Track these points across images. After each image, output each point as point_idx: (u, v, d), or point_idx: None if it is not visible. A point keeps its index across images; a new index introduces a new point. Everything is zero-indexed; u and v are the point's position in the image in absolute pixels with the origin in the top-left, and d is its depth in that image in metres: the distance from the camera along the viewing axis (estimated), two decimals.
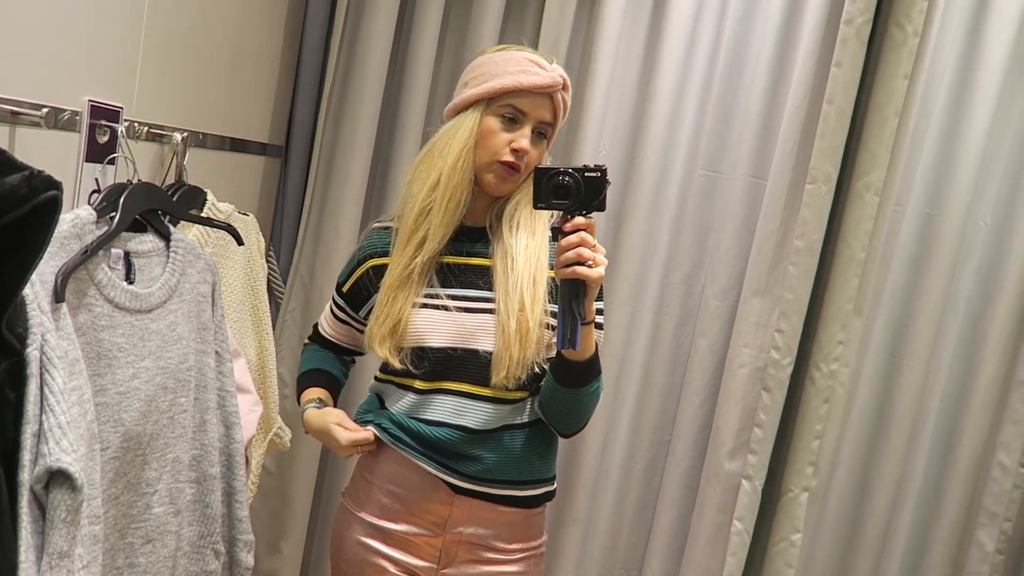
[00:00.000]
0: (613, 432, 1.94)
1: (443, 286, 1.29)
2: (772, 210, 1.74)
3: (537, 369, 1.25)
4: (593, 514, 1.97)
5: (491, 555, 1.32)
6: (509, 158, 1.25)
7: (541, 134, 1.28)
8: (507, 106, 1.25)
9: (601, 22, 1.81)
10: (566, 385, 1.23)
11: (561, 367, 1.22)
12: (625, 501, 1.97)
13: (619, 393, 1.92)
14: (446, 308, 1.28)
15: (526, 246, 1.26)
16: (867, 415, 1.91)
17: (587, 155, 1.85)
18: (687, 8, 1.82)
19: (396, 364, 1.28)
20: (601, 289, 1.30)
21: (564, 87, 1.26)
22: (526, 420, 1.31)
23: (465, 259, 1.31)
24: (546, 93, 1.25)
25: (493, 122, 1.26)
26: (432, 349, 1.27)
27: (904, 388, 1.86)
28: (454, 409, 1.27)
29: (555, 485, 1.38)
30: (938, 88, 1.78)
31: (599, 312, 1.29)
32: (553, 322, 1.25)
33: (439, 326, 1.28)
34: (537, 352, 1.25)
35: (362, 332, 1.37)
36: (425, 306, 1.28)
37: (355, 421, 1.36)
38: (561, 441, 1.36)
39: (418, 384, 1.29)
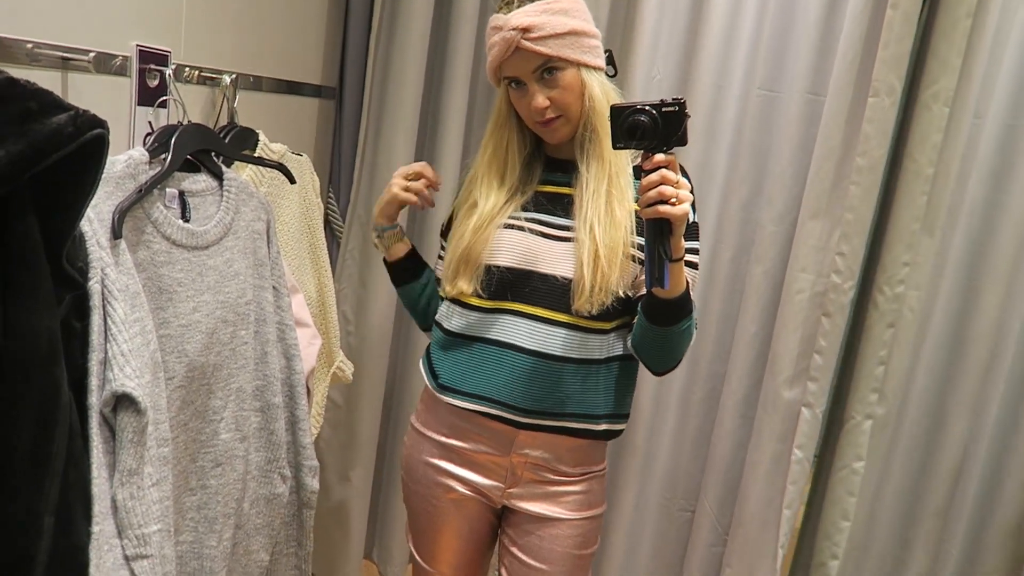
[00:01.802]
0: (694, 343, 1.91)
1: (525, 210, 1.33)
2: (831, 127, 1.66)
3: (623, 296, 1.27)
4: (652, 445, 1.98)
5: (555, 476, 1.36)
6: (538, 118, 1.28)
7: (549, 70, 1.25)
8: (505, 79, 1.29)
9: None
10: (657, 323, 1.22)
11: (651, 305, 1.21)
12: (684, 431, 1.97)
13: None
14: (521, 229, 1.31)
15: (596, 175, 1.28)
16: (943, 340, 1.83)
17: (639, 81, 1.80)
18: None
19: (467, 288, 1.32)
20: (697, 228, 1.32)
21: (525, 31, 1.22)
22: (610, 355, 1.32)
23: (554, 188, 1.34)
24: (513, 51, 1.24)
25: (512, 94, 1.30)
26: (500, 268, 1.30)
27: (982, 311, 1.78)
28: (528, 332, 1.29)
29: (626, 423, 1.40)
30: None
31: (694, 252, 1.29)
32: (641, 255, 1.25)
33: (511, 246, 1.31)
34: (621, 281, 1.26)
35: None
36: (507, 226, 1.32)
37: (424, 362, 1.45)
38: None
39: (487, 304, 1.32)
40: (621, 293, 1.26)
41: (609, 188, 1.27)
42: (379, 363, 2.03)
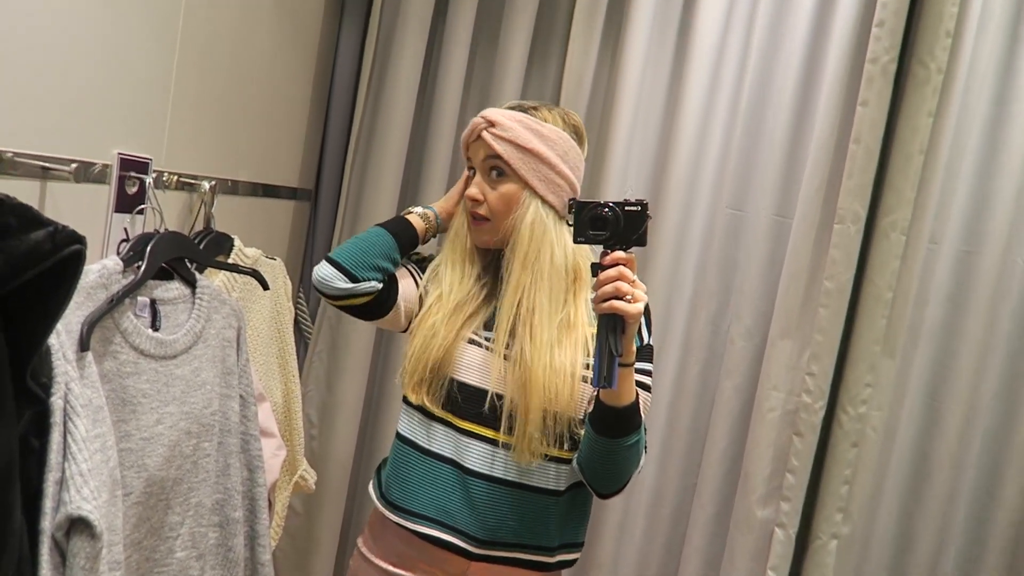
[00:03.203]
0: (639, 476, 1.90)
1: (484, 319, 1.30)
2: (799, 250, 1.72)
3: (564, 425, 1.23)
4: (619, 560, 1.93)
5: None
6: (469, 207, 1.30)
7: (497, 171, 1.27)
8: (466, 158, 1.32)
9: (624, 61, 1.83)
10: (603, 433, 1.18)
11: (598, 414, 1.18)
12: (651, 547, 1.93)
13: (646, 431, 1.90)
14: (469, 341, 1.28)
15: (508, 299, 1.25)
16: (908, 459, 1.85)
17: (612, 193, 1.85)
18: (709, 48, 1.83)
19: (429, 399, 1.27)
20: (651, 351, 1.31)
21: (491, 124, 1.26)
22: (568, 484, 1.29)
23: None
24: (476, 137, 1.28)
25: (467, 174, 1.32)
26: (461, 384, 1.27)
27: (945, 430, 1.81)
28: (482, 455, 1.26)
29: (581, 551, 1.36)
30: (972, 124, 1.76)
31: (646, 373, 1.27)
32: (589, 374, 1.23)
33: (470, 363, 1.27)
34: (559, 404, 1.22)
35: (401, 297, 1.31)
36: (470, 341, 1.28)
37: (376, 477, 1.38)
38: None
39: (451, 420, 1.27)
40: (569, 417, 1.23)
41: (514, 320, 1.24)
42: (342, 469, 1.97)
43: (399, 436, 1.35)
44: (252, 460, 1.33)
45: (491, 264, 1.34)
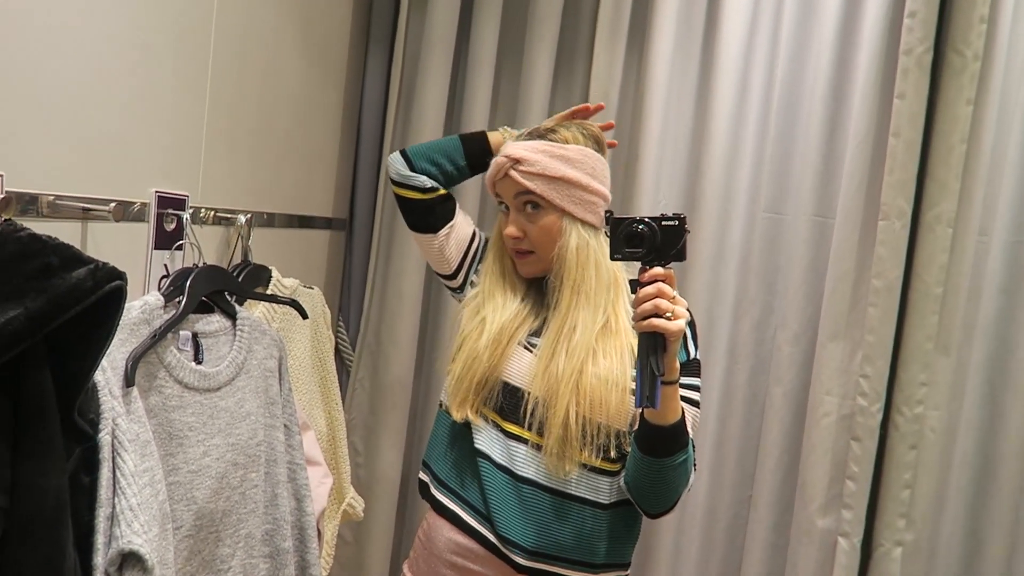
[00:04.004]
0: (692, 490, 1.86)
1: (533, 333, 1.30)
2: (844, 249, 1.68)
3: (607, 436, 1.22)
4: None
5: None
6: (510, 245, 1.31)
7: (532, 204, 1.27)
8: (496, 195, 1.33)
9: (650, 71, 1.82)
10: (649, 453, 1.15)
11: (644, 433, 1.16)
12: (708, 564, 1.88)
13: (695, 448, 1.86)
14: (519, 344, 1.28)
15: (555, 322, 1.26)
16: (970, 459, 1.78)
17: (645, 206, 1.83)
18: (736, 51, 1.81)
19: (478, 408, 1.28)
20: (699, 366, 1.28)
21: (516, 162, 1.26)
22: (617, 499, 1.26)
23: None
24: (503, 176, 1.28)
25: (501, 214, 1.33)
26: (511, 388, 1.27)
27: (1007, 426, 1.74)
28: (523, 458, 1.25)
29: (628, 571, 1.33)
30: (1014, 110, 1.71)
31: (694, 389, 1.25)
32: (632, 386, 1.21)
33: (520, 368, 1.27)
34: (599, 415, 1.21)
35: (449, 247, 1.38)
36: (524, 346, 1.29)
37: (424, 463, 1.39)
38: None
39: (504, 425, 1.27)
40: (614, 429, 1.21)
41: (559, 338, 1.24)
42: (389, 496, 1.96)
43: (450, 426, 1.34)
44: (299, 489, 1.33)
45: (532, 282, 1.34)
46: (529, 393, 1.24)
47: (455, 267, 1.39)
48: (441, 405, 1.39)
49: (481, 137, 1.42)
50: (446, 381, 1.34)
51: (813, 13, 1.80)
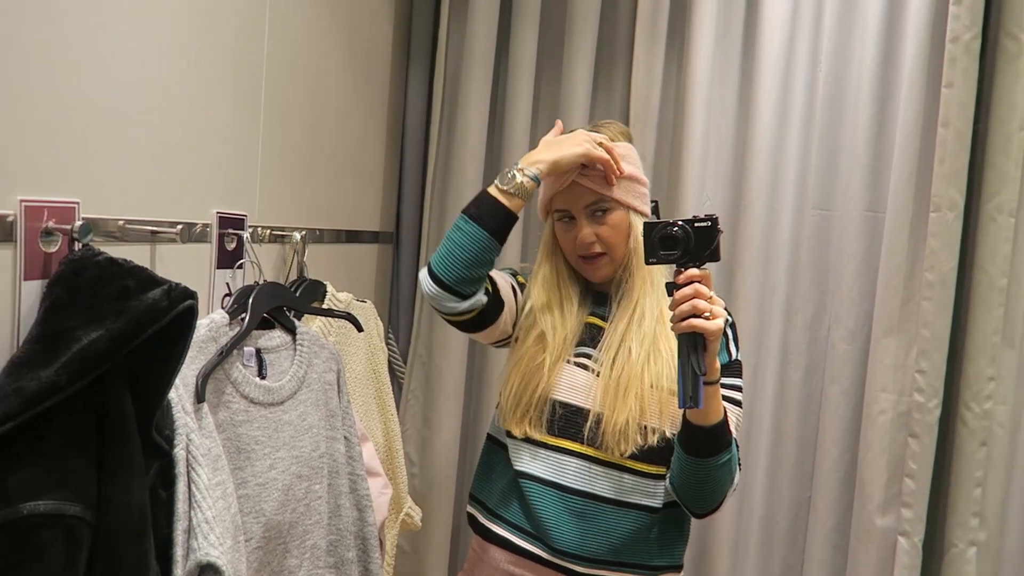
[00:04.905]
0: (749, 492, 1.85)
1: (580, 345, 1.31)
2: (895, 243, 1.65)
3: (660, 439, 1.23)
4: None
5: None
6: (583, 252, 1.29)
7: (599, 210, 1.28)
8: (556, 212, 1.32)
9: (691, 71, 1.81)
10: (693, 453, 1.17)
11: (687, 433, 1.17)
12: (769, 564, 1.86)
13: (751, 450, 1.84)
14: (568, 362, 1.29)
15: (623, 311, 1.27)
16: None
17: (691, 207, 1.83)
18: (778, 47, 1.80)
19: (530, 426, 1.28)
20: (740, 366, 1.29)
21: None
22: (666, 501, 1.27)
23: (597, 320, 1.34)
24: (567, 185, 1.27)
25: (558, 227, 1.32)
26: (562, 404, 1.28)
27: None
28: (575, 472, 1.26)
29: (682, 573, 1.34)
30: None
31: (736, 389, 1.25)
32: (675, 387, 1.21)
33: (567, 381, 1.28)
34: (652, 417, 1.22)
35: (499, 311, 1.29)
36: (571, 363, 1.29)
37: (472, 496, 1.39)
38: None
39: (549, 440, 1.28)
40: (665, 432, 1.22)
41: (629, 325, 1.26)
42: (445, 506, 1.98)
43: (495, 455, 1.36)
44: (361, 500, 1.35)
45: (586, 291, 1.36)
46: (590, 411, 1.26)
47: (511, 329, 1.35)
48: (488, 437, 1.40)
49: (498, 207, 1.24)
50: (495, 413, 1.36)
51: (855, 5, 1.78)
